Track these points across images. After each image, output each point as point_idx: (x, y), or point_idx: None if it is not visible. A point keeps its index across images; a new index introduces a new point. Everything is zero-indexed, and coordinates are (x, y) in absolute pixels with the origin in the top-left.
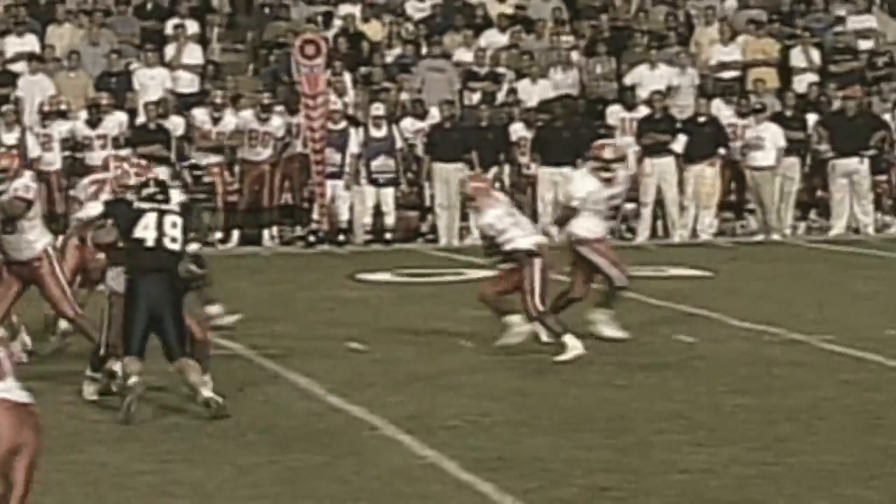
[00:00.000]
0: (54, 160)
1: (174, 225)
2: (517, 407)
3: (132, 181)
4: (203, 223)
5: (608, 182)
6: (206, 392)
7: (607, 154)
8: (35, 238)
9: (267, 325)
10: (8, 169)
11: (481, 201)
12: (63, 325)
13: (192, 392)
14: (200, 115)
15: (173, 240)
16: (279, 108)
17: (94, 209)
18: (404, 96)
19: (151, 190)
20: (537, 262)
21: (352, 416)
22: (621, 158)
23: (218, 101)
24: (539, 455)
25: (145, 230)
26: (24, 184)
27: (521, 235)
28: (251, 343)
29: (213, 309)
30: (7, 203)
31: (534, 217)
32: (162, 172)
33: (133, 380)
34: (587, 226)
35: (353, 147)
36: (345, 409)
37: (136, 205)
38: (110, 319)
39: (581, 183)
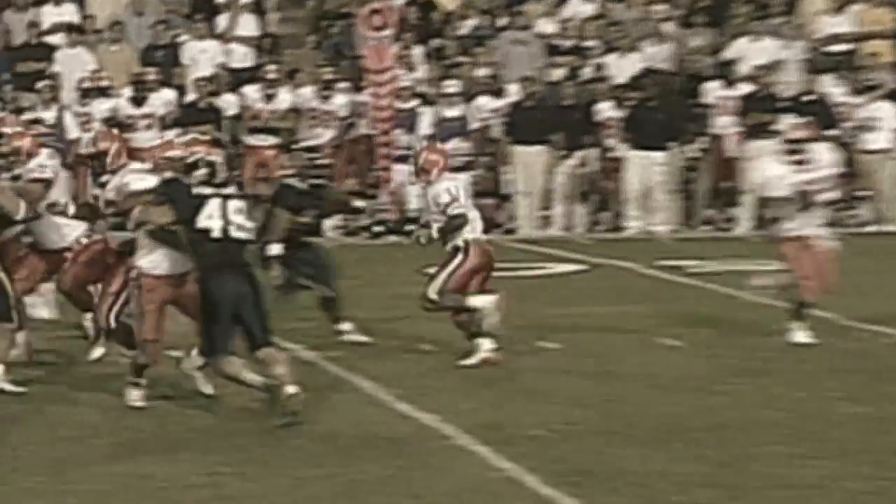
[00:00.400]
0: None
1: (239, 211)
2: (604, 414)
3: (178, 153)
4: (332, 204)
5: (799, 166)
6: (292, 388)
7: (796, 134)
8: (65, 223)
9: (329, 324)
10: (20, 150)
11: (435, 175)
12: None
13: (274, 385)
14: (252, 92)
15: (240, 227)
16: (342, 84)
17: (141, 181)
18: (480, 72)
19: (204, 170)
20: (471, 258)
21: (422, 424)
22: (814, 139)
23: (271, 76)
24: (628, 468)
25: (210, 219)
26: (39, 163)
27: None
28: (312, 344)
29: None
30: (23, 187)
31: (619, 207)
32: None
33: (255, 378)
34: (794, 223)
35: (424, 128)
36: (414, 416)
37: (196, 189)
38: (139, 306)
39: (768, 167)
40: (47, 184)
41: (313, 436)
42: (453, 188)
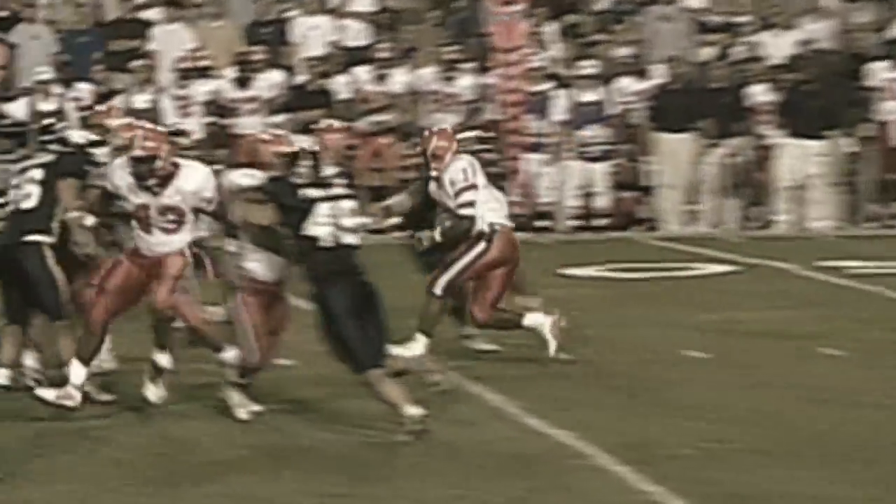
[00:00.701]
0: (193, 128)
1: (349, 212)
2: (758, 431)
3: (281, 148)
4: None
5: None
6: (413, 409)
7: None
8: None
9: (452, 329)
10: (132, 143)
11: (448, 160)
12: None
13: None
14: (362, 73)
15: (351, 231)
16: (467, 65)
17: (243, 177)
18: (620, 51)
19: (308, 169)
20: (495, 248)
21: (555, 441)
22: None
23: (384, 55)
24: (785, 491)
25: (318, 226)
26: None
27: (495, 208)
28: (432, 351)
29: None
30: None
31: (769, 200)
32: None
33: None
34: None
35: (557, 113)
36: (546, 432)
37: (303, 192)
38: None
39: None
40: None
41: (434, 453)
42: (469, 169)
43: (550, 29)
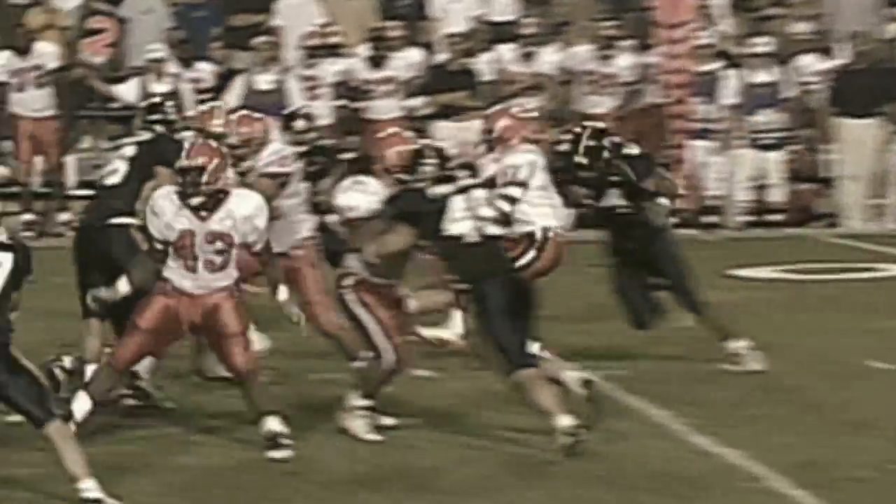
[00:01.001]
0: (322, 111)
1: (486, 202)
2: None
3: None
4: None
5: None
6: (567, 419)
7: None
8: (296, 220)
9: (609, 337)
10: (250, 138)
11: (514, 144)
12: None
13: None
14: (506, 51)
15: (493, 222)
16: (626, 42)
17: (361, 196)
18: (799, 26)
19: (432, 162)
20: (546, 256)
21: (724, 461)
22: None
23: (529, 30)
24: None
25: (458, 222)
26: (275, 152)
27: (547, 213)
28: (588, 361)
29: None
30: (256, 184)
31: None
32: (474, 129)
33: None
34: None
35: (727, 96)
36: (714, 451)
37: (429, 192)
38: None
39: None
40: (284, 179)
41: (589, 474)
42: (527, 168)
43: (720, 2)
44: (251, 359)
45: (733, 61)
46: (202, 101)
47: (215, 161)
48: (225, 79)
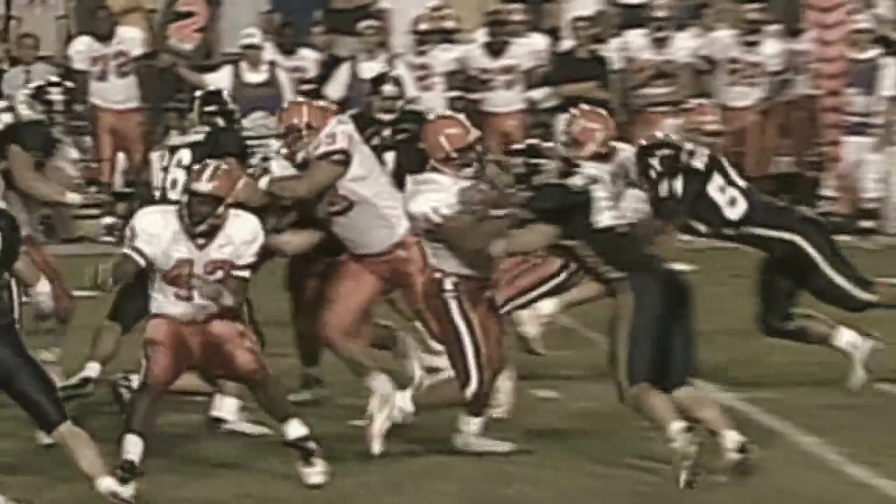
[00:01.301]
0: (435, 103)
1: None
2: None
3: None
4: None
5: None
6: (734, 436)
7: None
8: (388, 216)
9: (743, 352)
10: (299, 127)
11: (588, 151)
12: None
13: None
14: (636, 38)
15: (632, 211)
16: (773, 27)
17: (437, 200)
18: None
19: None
20: None
21: (884, 494)
22: None
23: (662, 13)
24: None
25: (604, 212)
26: (330, 132)
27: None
28: (729, 382)
29: None
30: (314, 172)
31: None
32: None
33: (678, 429)
34: None
35: (888, 87)
36: (872, 484)
37: (571, 183)
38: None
39: None
40: (344, 159)
41: None
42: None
43: None
44: (257, 358)
45: (893, 48)
46: (304, 93)
47: (230, 192)
48: (328, 67)
